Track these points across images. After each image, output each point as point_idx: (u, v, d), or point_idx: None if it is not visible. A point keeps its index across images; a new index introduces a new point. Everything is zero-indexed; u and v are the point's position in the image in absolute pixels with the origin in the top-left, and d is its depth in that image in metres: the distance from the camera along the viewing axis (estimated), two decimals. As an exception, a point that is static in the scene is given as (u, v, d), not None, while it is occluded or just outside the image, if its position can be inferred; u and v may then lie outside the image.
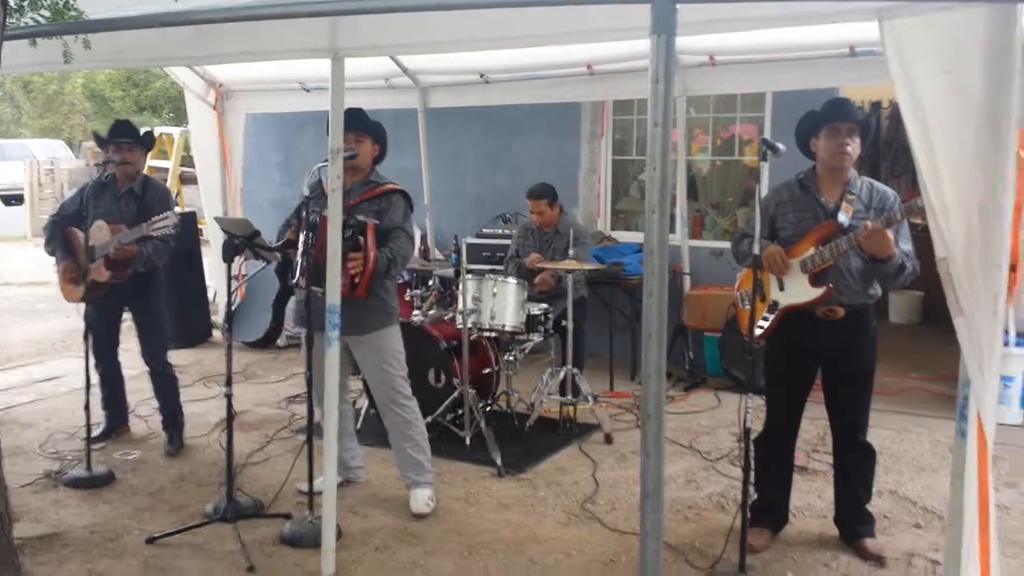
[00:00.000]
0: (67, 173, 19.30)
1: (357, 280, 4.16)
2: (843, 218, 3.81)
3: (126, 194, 5.18)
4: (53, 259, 5.28)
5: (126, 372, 5.59)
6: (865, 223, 3.66)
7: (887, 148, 10.27)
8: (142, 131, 5.34)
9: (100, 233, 4.96)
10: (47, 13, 3.82)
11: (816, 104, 3.96)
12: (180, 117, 21.95)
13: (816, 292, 3.83)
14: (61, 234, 5.21)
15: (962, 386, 2.59)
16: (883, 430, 5.57)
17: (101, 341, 5.35)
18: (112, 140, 5.16)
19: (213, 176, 8.23)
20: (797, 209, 3.95)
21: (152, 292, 5.28)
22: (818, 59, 5.73)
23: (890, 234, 3.65)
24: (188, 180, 14.53)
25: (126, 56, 4.56)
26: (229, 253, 4.21)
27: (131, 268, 5.07)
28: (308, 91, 7.63)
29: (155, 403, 5.50)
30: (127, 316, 5.40)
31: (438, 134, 8.08)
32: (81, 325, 4.89)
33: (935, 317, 8.65)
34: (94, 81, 27.87)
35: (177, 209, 5.11)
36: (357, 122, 4.37)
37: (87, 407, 4.83)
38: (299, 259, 4.17)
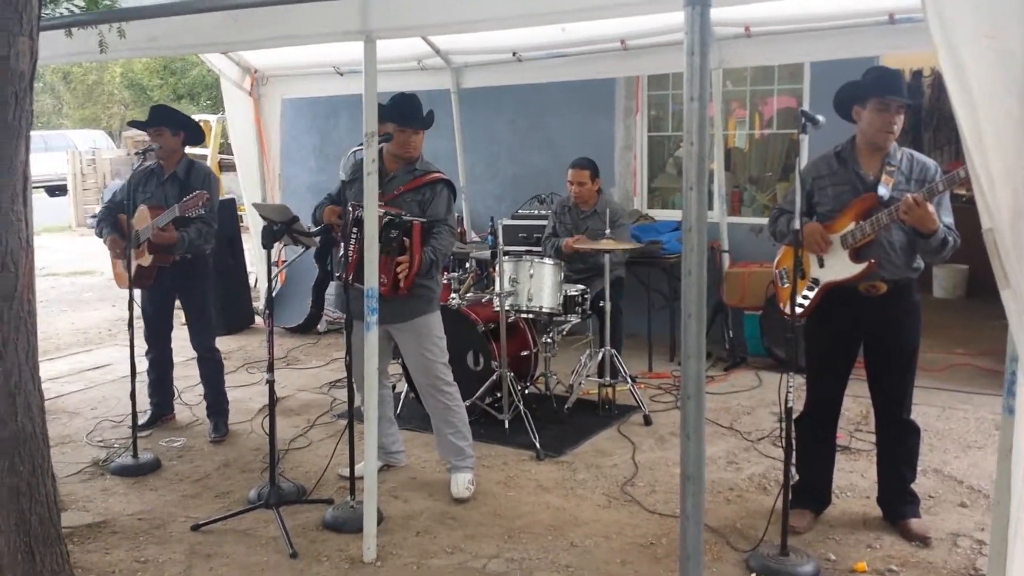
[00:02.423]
0: (109, 163, 19.55)
1: (400, 281, 4.16)
2: (883, 191, 3.73)
3: (170, 178, 5.26)
4: (102, 241, 5.35)
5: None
6: (906, 196, 3.57)
7: (930, 118, 10.04)
8: (179, 116, 5.40)
9: (143, 217, 5.03)
10: (81, 3, 3.86)
11: (855, 73, 3.85)
12: (217, 104, 22.14)
13: (858, 268, 3.75)
14: (115, 220, 5.28)
15: (1010, 361, 2.51)
16: (928, 407, 5.48)
17: (153, 327, 5.45)
18: (147, 126, 5.25)
19: (251, 162, 8.29)
20: (836, 183, 3.87)
21: (199, 278, 5.35)
22: (856, 27, 5.60)
23: (931, 207, 3.56)
24: (227, 167, 14.66)
25: (160, 44, 4.60)
26: (268, 239, 4.23)
27: (175, 253, 5.13)
28: (342, 75, 7.66)
29: (200, 390, 5.57)
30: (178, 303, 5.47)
31: (472, 115, 8.04)
32: (126, 314, 4.94)
33: (981, 291, 8.48)
34: (132, 70, 28.21)
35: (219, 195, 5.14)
36: (415, 118, 4.35)
37: (133, 395, 4.90)
38: (343, 254, 4.20)
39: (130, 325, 4.90)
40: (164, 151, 5.22)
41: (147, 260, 5.08)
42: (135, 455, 4.86)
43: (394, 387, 5.74)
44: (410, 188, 4.35)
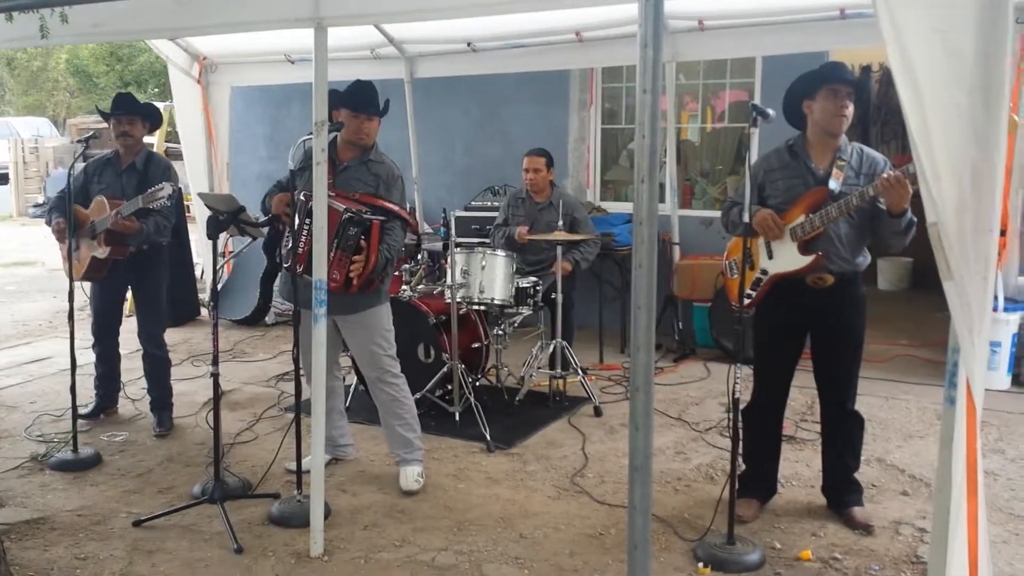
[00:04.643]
0: (52, 151, 19.15)
1: (353, 280, 4.11)
2: (834, 185, 3.77)
3: (128, 169, 5.14)
4: (50, 228, 5.17)
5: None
6: (889, 173, 3.58)
7: (877, 113, 10.21)
8: (148, 105, 5.29)
9: (100, 208, 4.91)
10: (23, -14, 3.73)
11: (805, 68, 3.89)
12: (165, 92, 21.71)
13: (806, 260, 3.79)
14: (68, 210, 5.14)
15: (951, 352, 2.55)
16: (871, 398, 5.57)
17: (102, 319, 5.33)
18: (113, 113, 5.11)
19: (198, 151, 8.16)
20: (787, 176, 3.90)
21: (154, 270, 5.24)
22: (808, 22, 5.66)
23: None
24: (173, 156, 14.34)
25: (105, 29, 4.46)
26: (214, 230, 4.15)
27: (131, 245, 5.02)
28: (293, 63, 7.54)
29: (143, 384, 5.45)
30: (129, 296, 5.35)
31: (425, 105, 7.99)
32: (67, 305, 4.80)
33: (924, 283, 8.65)
34: (78, 57, 27.57)
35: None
36: (371, 104, 4.28)
37: (73, 388, 4.77)
38: (291, 243, 4.13)
39: (70, 317, 4.75)
40: (133, 140, 5.12)
41: (103, 252, 4.96)
42: (75, 450, 4.74)
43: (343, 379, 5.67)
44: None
